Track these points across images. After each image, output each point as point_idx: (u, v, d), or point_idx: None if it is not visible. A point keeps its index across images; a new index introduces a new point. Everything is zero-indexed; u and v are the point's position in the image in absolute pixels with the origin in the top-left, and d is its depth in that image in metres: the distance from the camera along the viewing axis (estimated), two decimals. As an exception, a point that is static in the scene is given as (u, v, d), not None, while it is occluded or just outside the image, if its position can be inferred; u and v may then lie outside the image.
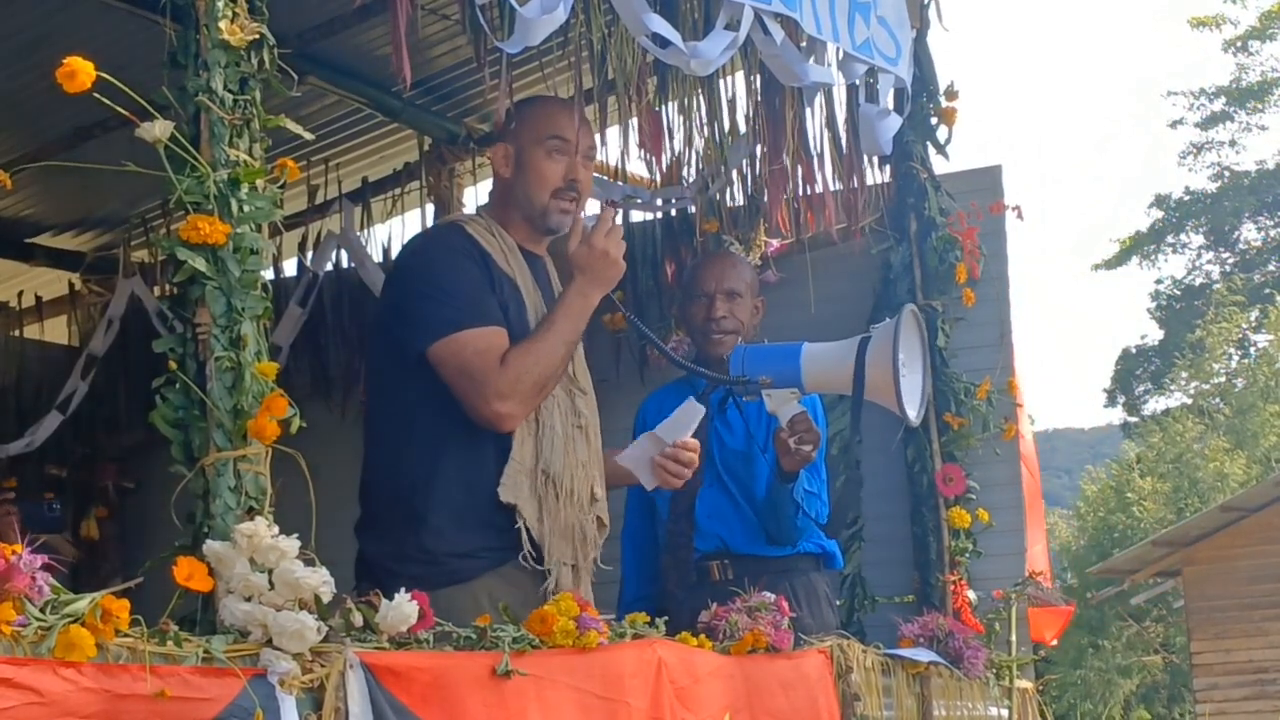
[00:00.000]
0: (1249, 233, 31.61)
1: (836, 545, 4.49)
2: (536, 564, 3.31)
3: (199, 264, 2.37)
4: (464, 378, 3.26)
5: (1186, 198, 31.46)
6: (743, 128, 4.67)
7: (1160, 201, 31.77)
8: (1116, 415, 32.54)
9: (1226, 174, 31.23)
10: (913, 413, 4.11)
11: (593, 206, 3.71)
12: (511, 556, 3.30)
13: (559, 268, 3.64)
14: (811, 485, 4.31)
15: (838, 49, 4.33)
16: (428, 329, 3.29)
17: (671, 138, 4.53)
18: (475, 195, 6.13)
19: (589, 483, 3.43)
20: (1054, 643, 5.67)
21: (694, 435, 4.31)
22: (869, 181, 4.92)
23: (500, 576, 3.28)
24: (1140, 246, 31.56)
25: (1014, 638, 4.99)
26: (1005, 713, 4.89)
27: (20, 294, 6.63)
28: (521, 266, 3.46)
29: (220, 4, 2.46)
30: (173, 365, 2.40)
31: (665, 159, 4.66)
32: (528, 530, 3.30)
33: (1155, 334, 31.61)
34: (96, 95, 2.28)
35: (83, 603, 2.02)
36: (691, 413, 3.66)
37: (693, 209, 5.40)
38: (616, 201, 5.48)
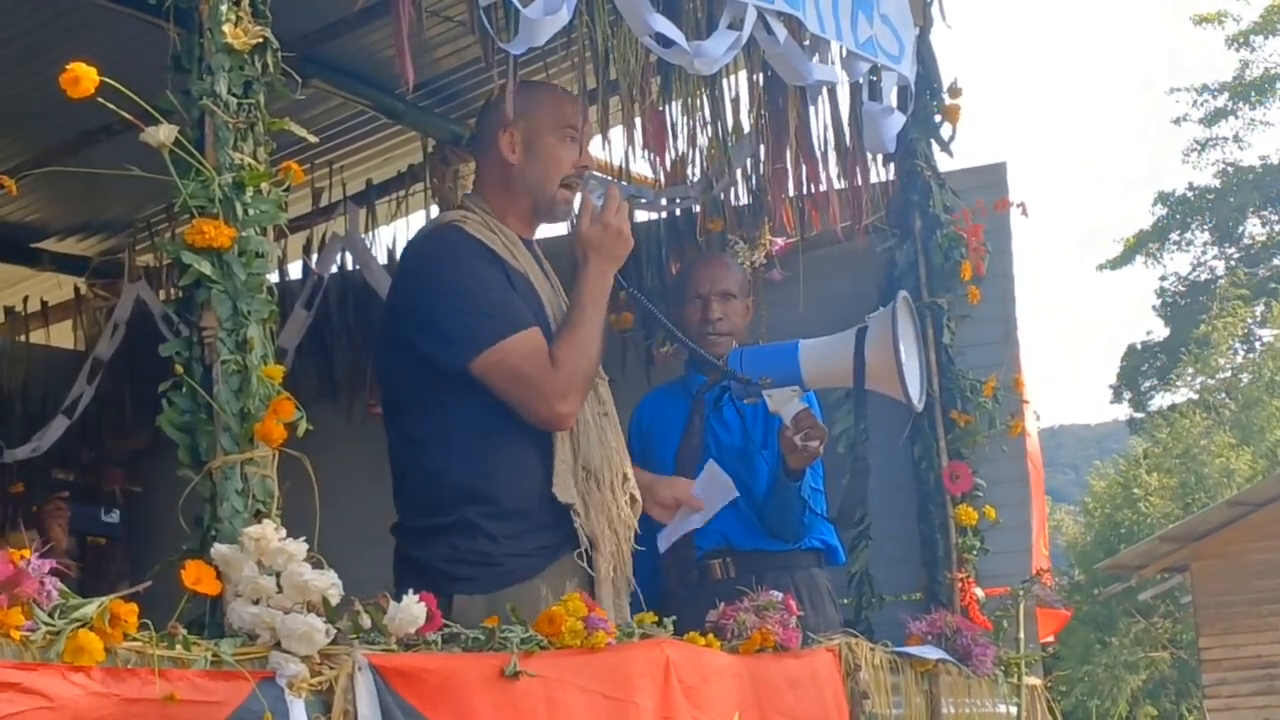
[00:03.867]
0: (1254, 228, 31.61)
1: (838, 538, 4.49)
2: (588, 559, 3.34)
3: (204, 267, 2.37)
4: (519, 384, 3.25)
5: (1190, 194, 31.44)
6: (746, 127, 4.67)
7: (1164, 198, 31.75)
8: (1123, 411, 32.59)
9: (1230, 170, 31.20)
10: (915, 397, 4.12)
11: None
12: (564, 551, 3.32)
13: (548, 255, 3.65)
14: (815, 482, 4.32)
15: (841, 47, 4.33)
16: (466, 344, 3.26)
17: (675, 137, 4.53)
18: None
19: (621, 467, 3.46)
20: (1049, 641, 5.68)
21: (693, 435, 4.33)
22: (873, 179, 4.92)
23: (558, 569, 3.30)
24: (1145, 244, 31.53)
25: (1022, 634, 4.99)
26: (1014, 709, 4.89)
27: (26, 299, 6.64)
28: (528, 258, 3.46)
29: (223, 8, 2.46)
30: (179, 369, 2.40)
31: (669, 158, 4.66)
32: (581, 527, 3.32)
33: (1161, 330, 31.62)
34: (100, 100, 2.28)
35: (91, 607, 2.03)
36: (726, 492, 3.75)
37: (697, 208, 5.40)
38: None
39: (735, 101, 4.53)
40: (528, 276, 3.42)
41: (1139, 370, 31.49)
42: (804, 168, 4.57)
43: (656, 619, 3.15)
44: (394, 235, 7.55)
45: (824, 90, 4.49)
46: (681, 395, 4.45)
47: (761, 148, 4.67)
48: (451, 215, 3.53)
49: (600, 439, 3.42)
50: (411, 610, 2.48)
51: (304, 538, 2.34)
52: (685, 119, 4.43)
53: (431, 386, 3.32)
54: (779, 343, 4.19)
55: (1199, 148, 31.57)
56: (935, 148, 5.34)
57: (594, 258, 3.39)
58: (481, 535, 3.27)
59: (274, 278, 2.59)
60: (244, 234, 2.41)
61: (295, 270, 6.19)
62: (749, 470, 4.33)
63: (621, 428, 3.62)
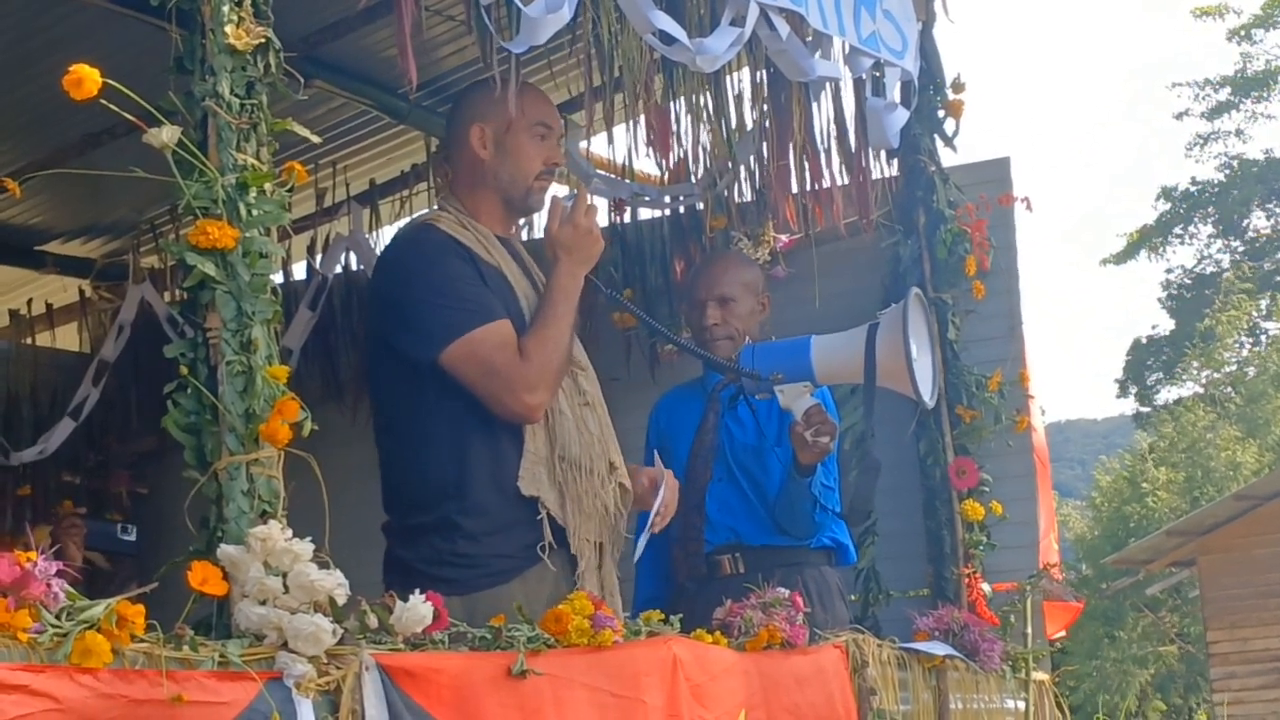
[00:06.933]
0: (1258, 220, 31.58)
1: (850, 537, 4.49)
2: (563, 552, 3.33)
3: (208, 268, 2.37)
4: (488, 376, 3.27)
5: (1194, 189, 31.42)
6: (749, 123, 4.67)
7: (1167, 193, 31.74)
8: (1129, 405, 32.55)
9: (1234, 163, 31.18)
10: (927, 394, 4.12)
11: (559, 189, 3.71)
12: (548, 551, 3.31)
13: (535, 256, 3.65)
14: (827, 479, 4.32)
15: (844, 43, 4.32)
16: (436, 336, 3.28)
17: (678, 135, 4.53)
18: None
19: (605, 455, 3.45)
20: (1062, 635, 5.67)
21: (707, 432, 4.33)
22: (876, 175, 4.91)
23: (539, 569, 3.30)
24: (1149, 239, 31.51)
25: (1029, 630, 4.98)
26: (1022, 705, 4.88)
27: (30, 301, 6.64)
28: (503, 254, 3.47)
29: (225, 9, 2.46)
30: (184, 370, 2.40)
31: (672, 156, 4.66)
32: (551, 519, 3.32)
33: (1166, 324, 31.60)
34: (104, 102, 2.28)
35: (98, 609, 2.03)
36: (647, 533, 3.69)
37: (700, 206, 5.39)
38: (625, 199, 5.48)
39: (738, 98, 4.53)
40: (501, 271, 3.43)
41: (1144, 364, 31.47)
42: (807, 164, 4.57)
43: (663, 616, 3.15)
44: (398, 235, 7.54)
45: (827, 86, 4.49)
46: (698, 394, 4.46)
47: (765, 144, 4.66)
48: (425, 215, 3.57)
49: (580, 428, 3.42)
50: (418, 610, 2.49)
51: (310, 538, 2.34)
52: (688, 116, 4.42)
53: (408, 383, 3.34)
54: (791, 339, 4.19)
55: (1201, 142, 31.56)
56: (939, 143, 5.33)
57: (565, 258, 3.41)
58: (461, 536, 3.28)
59: (278, 278, 2.60)
60: (248, 235, 2.41)
61: (299, 271, 6.20)
62: (762, 467, 4.34)
63: (630, 430, 3.61)
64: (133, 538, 6.09)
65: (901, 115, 4.73)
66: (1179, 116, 31.66)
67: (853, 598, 4.98)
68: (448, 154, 3.66)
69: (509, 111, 3.38)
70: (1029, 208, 5.40)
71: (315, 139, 2.69)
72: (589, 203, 3.47)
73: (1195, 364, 27.62)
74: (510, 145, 3.49)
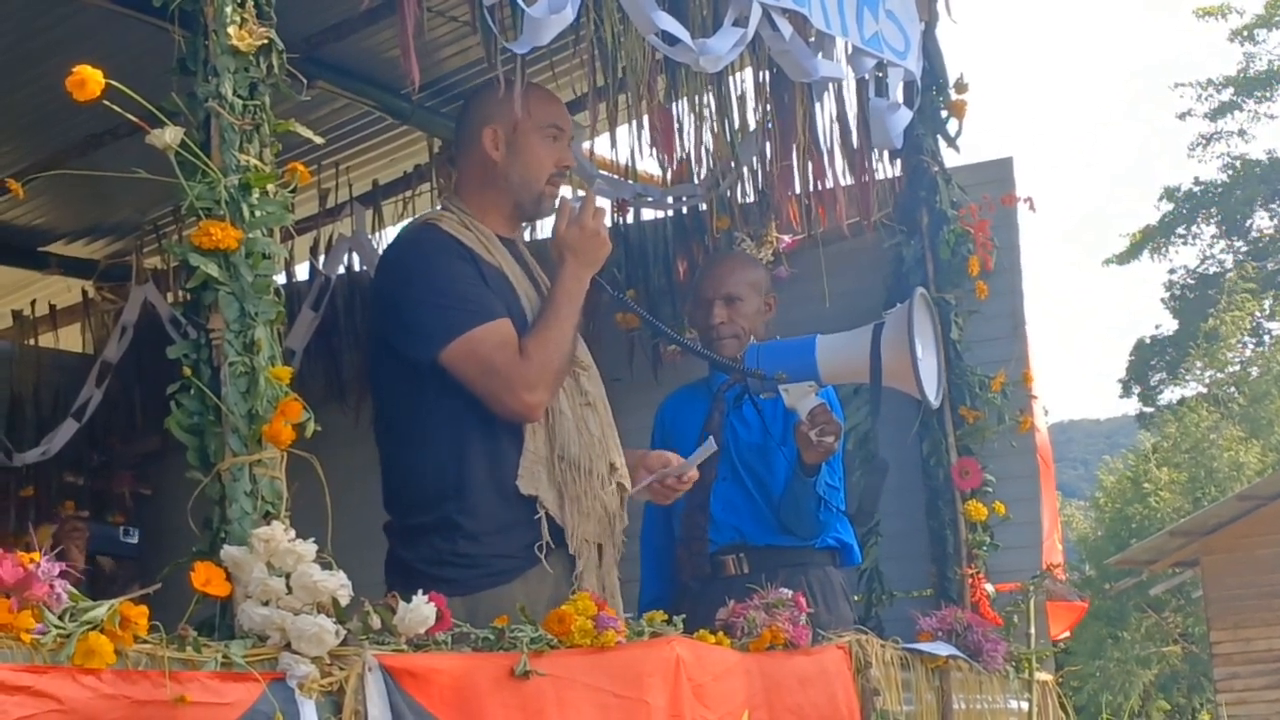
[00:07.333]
0: (1261, 221, 31.57)
1: (855, 537, 4.49)
2: (562, 552, 3.33)
3: (211, 269, 2.37)
4: (488, 374, 3.27)
5: (1197, 189, 31.41)
6: (752, 124, 4.67)
7: (1169, 194, 31.72)
8: (1132, 406, 32.53)
9: (1237, 163, 31.17)
10: (932, 394, 4.12)
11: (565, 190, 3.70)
12: (549, 551, 3.31)
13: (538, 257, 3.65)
14: (832, 479, 4.32)
15: (847, 43, 4.32)
16: (436, 336, 3.28)
17: (681, 135, 4.53)
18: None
19: (606, 456, 3.45)
20: (1065, 635, 5.67)
21: (711, 432, 4.33)
22: (880, 175, 4.91)
23: (540, 569, 3.30)
24: (1151, 240, 31.50)
25: (1033, 630, 4.98)
26: (1025, 705, 4.88)
27: (34, 302, 6.65)
28: (505, 255, 3.47)
29: (228, 9, 2.46)
30: (187, 371, 2.40)
31: (675, 156, 4.66)
32: (549, 519, 3.32)
33: (1169, 324, 31.58)
34: (107, 103, 2.28)
35: (101, 609, 2.03)
36: (707, 448, 3.69)
37: (704, 206, 5.39)
38: (628, 200, 5.48)
39: (741, 99, 4.54)
40: (503, 271, 3.43)
41: (1148, 364, 31.46)
42: (810, 164, 4.57)
43: (666, 617, 3.15)
44: (401, 236, 7.54)
45: (830, 87, 4.49)
46: (704, 394, 4.46)
47: (768, 145, 4.66)
48: (427, 215, 3.57)
49: (580, 428, 3.41)
50: (421, 611, 2.49)
51: (313, 538, 2.34)
52: (691, 117, 4.42)
53: (409, 383, 3.35)
54: (796, 338, 4.19)
55: (1204, 142, 31.55)
56: (942, 143, 5.33)
57: (570, 260, 3.41)
58: (461, 536, 3.28)
59: (281, 279, 2.60)
60: (251, 235, 2.41)
61: (302, 272, 6.20)
62: (767, 467, 4.34)
63: (633, 429, 3.61)
64: (135, 540, 6.09)
65: (904, 115, 4.73)
66: (1181, 117, 31.67)
67: (856, 598, 4.98)
68: (454, 155, 3.66)
69: (523, 114, 3.38)
70: (1032, 208, 5.39)
71: (318, 140, 2.69)
72: (596, 206, 3.46)
73: (1198, 364, 27.62)
74: (521, 145, 3.48)
